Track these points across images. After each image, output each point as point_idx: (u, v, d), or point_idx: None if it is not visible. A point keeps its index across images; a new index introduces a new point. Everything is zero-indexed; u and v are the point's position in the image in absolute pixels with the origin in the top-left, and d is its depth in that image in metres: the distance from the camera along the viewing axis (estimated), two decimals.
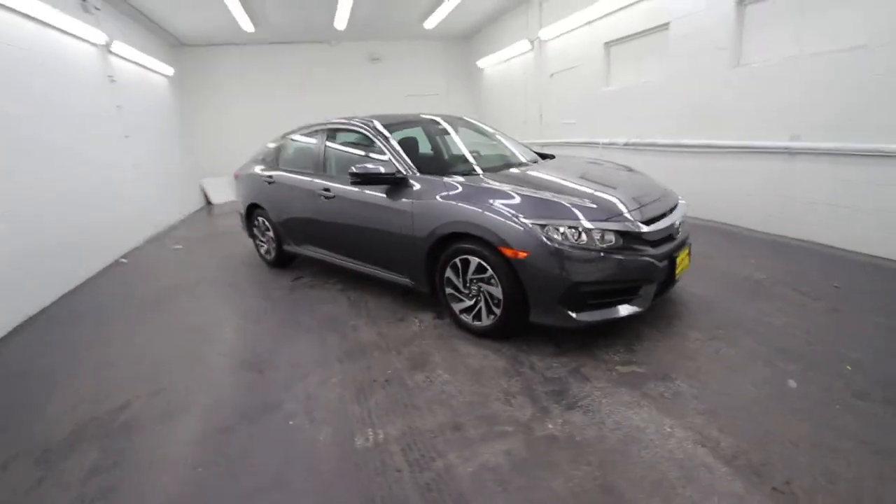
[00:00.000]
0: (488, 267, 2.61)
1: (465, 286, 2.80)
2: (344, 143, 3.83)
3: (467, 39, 11.23)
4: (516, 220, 2.49)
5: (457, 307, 2.90)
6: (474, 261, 2.68)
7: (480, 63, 10.55)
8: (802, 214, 4.21)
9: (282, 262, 4.60)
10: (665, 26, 5.39)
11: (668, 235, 2.69)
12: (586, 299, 2.43)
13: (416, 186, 3.01)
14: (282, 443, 2.04)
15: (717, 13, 4.68)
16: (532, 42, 8.32)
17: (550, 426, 1.99)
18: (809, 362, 2.30)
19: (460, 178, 2.97)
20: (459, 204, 2.75)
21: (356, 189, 3.37)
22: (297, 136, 4.30)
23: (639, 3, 5.67)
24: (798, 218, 4.24)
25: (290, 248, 4.32)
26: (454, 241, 2.78)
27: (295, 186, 4.01)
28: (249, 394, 2.45)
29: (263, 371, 2.67)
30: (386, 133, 3.41)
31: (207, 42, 9.50)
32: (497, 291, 2.62)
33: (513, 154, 3.76)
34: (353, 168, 3.14)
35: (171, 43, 9.14)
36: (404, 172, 3.09)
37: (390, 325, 3.13)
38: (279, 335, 3.13)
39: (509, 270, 2.53)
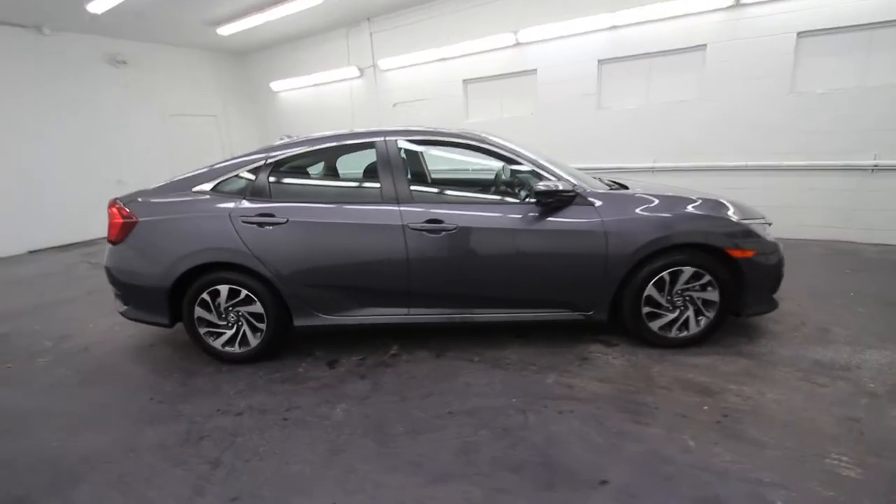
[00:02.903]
0: (706, 273, 2.65)
1: (667, 299, 2.72)
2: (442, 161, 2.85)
3: (248, 56, 9.61)
4: (740, 221, 2.67)
5: (656, 324, 2.75)
6: (688, 270, 2.66)
7: (276, 85, 9.24)
8: None
9: (272, 349, 2.89)
10: (532, 72, 6.46)
11: None
12: (778, 283, 2.86)
13: (598, 202, 2.68)
14: None
15: (582, 67, 6.03)
16: (363, 69, 8.04)
17: (873, 386, 2.31)
18: (830, 294, 3.49)
19: (625, 191, 2.85)
20: (676, 213, 2.67)
21: (498, 215, 2.67)
22: (313, 150, 2.86)
23: (503, 49, 6.54)
24: None
25: (313, 321, 2.79)
26: (658, 256, 2.65)
27: (353, 224, 2.68)
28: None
29: (553, 487, 1.78)
30: (513, 146, 2.85)
31: None
32: (713, 295, 2.70)
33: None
34: (541, 186, 2.51)
35: None
36: (573, 188, 2.66)
37: (590, 369, 2.61)
38: (494, 433, 2.09)
39: (731, 271, 2.66)
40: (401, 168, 2.74)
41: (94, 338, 3.46)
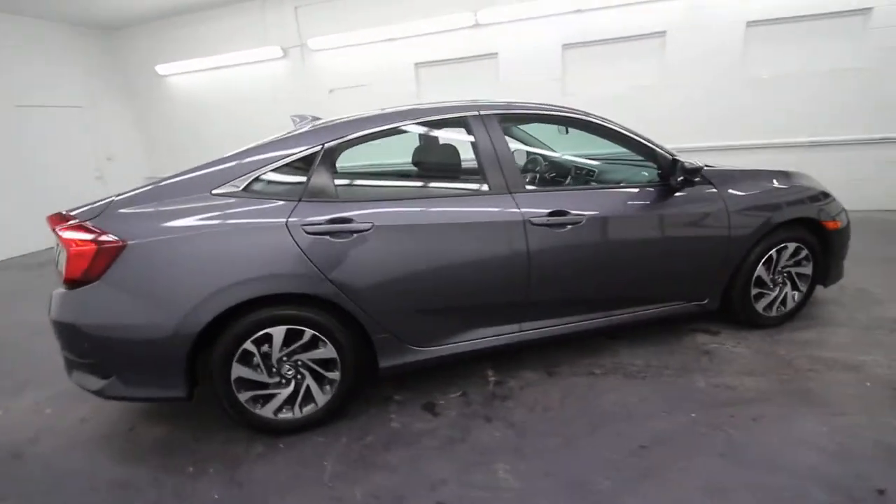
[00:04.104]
0: (804, 247, 2.62)
1: (771, 278, 2.63)
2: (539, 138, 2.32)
3: (124, 32, 7.65)
4: (825, 191, 2.66)
5: (760, 305, 2.65)
6: (791, 246, 2.59)
7: (165, 68, 7.50)
8: None
9: (342, 405, 2.12)
10: (494, 55, 6.13)
11: None
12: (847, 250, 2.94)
13: (715, 178, 2.45)
14: None
15: (547, 51, 5.89)
16: (286, 49, 6.90)
17: None
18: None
19: (724, 168, 2.67)
20: (779, 188, 2.58)
21: (624, 201, 2.34)
22: (385, 131, 2.12)
23: (461, 30, 6.09)
24: None
25: (405, 358, 2.11)
26: (770, 234, 2.54)
27: (461, 224, 2.06)
28: None
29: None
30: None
31: None
32: (806, 269, 2.68)
33: None
34: (687, 164, 2.21)
35: None
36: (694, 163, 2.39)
37: (725, 364, 2.38)
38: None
39: (821, 245, 2.66)
40: (507, 149, 2.19)
41: (19, 433, 2.23)
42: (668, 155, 2.37)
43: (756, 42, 5.24)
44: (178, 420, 2.24)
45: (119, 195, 1.93)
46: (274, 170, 1.98)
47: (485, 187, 2.14)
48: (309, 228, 1.89)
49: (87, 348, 1.85)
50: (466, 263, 2.08)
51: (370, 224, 1.95)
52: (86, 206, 1.90)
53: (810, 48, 5.07)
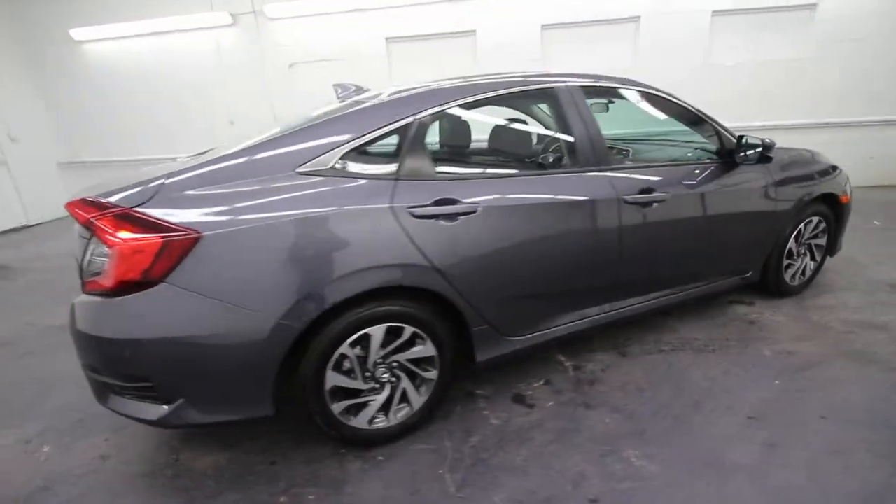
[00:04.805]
0: (824, 221, 2.84)
1: (798, 250, 2.83)
2: (617, 113, 2.24)
3: None
4: (833, 166, 2.90)
5: (788, 275, 2.85)
6: (815, 219, 2.80)
7: (81, 32, 6.34)
8: None
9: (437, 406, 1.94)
10: (471, 33, 5.94)
11: None
12: None
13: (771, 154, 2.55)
14: None
15: (526, 31, 5.83)
16: (237, 16, 6.15)
17: None
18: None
19: None
20: (812, 161, 2.81)
21: (693, 178, 2.34)
22: (478, 101, 1.92)
23: (436, 3, 5.80)
24: None
25: (501, 350, 1.96)
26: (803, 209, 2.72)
27: (564, 202, 1.95)
28: None
29: None
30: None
31: None
32: (822, 241, 2.92)
33: None
34: (757, 140, 2.30)
35: None
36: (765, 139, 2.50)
37: (773, 333, 2.53)
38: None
39: (834, 217, 2.90)
40: (594, 122, 2.08)
41: (23, 484, 1.74)
42: (730, 134, 2.43)
43: (721, 31, 5.61)
44: (227, 443, 1.90)
45: (169, 175, 1.54)
46: (363, 144, 1.69)
47: (579, 164, 2.03)
48: (417, 211, 1.65)
49: (142, 369, 1.48)
50: (569, 243, 1.97)
51: (476, 205, 1.76)
52: (122, 188, 1.49)
53: (767, 38, 5.53)
